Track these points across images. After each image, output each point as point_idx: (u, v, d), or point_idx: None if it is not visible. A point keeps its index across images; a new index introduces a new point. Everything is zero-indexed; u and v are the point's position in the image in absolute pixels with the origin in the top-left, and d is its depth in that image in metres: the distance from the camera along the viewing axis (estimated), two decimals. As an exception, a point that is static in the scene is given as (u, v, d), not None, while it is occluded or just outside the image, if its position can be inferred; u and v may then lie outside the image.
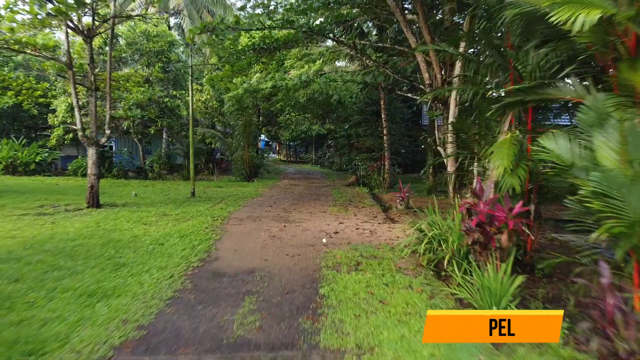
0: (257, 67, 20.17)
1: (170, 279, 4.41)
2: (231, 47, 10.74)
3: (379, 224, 8.04)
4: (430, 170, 15.38)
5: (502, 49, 5.26)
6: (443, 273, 4.97)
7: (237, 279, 4.53)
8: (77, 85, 9.11)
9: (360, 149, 21.16)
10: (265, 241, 6.39)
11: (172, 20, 24.21)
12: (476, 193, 4.36)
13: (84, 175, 16.21)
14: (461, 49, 7.62)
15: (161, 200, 10.78)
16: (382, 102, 18.21)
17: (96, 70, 9.30)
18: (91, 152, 8.89)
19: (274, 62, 13.73)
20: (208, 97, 20.97)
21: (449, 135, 7.99)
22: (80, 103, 9.04)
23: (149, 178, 16.85)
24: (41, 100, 12.56)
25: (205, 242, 6.12)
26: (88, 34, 8.66)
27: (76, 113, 8.68)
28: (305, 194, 13.65)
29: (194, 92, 22.17)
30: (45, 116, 16.61)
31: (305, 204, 11.00)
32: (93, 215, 8.27)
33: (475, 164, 6.64)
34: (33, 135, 19.03)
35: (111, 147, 20.35)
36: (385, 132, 17.76)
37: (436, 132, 10.31)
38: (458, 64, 7.69)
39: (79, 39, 9.70)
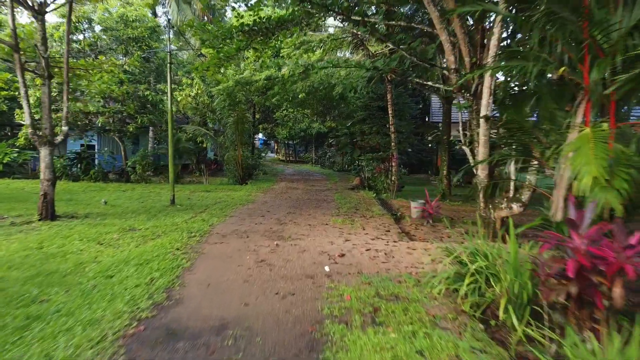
0: (250, 56, 18.78)
1: (96, 347, 2.98)
2: (216, 30, 9.30)
3: (395, 242, 6.60)
4: (444, 171, 13.96)
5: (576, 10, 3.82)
6: (493, 322, 3.59)
7: (200, 344, 3.10)
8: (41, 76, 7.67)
9: (364, 148, 19.73)
10: (249, 270, 4.97)
11: (160, 9, 22.78)
12: (571, 221, 2.91)
13: (59, 177, 14.81)
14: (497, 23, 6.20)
15: (134, 209, 9.35)
16: (389, 97, 16.82)
17: (55, 54, 7.84)
18: (44, 153, 7.47)
19: (269, 49, 12.31)
20: (199, 91, 19.55)
21: (480, 131, 6.56)
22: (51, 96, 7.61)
23: (131, 181, 15.44)
24: (3, 93, 11.13)
25: (169, 273, 4.69)
26: (39, 10, 7.23)
27: (25, 106, 7.25)
28: (304, 199, 12.22)
29: (183, 87, 20.81)
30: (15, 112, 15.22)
31: (304, 212, 9.57)
32: (42, 230, 6.84)
33: (522, 168, 5.22)
34: (3, 133, 17.61)
35: (93, 146, 18.94)
36: (392, 129, 16.35)
37: (460, 129, 8.89)
38: (493, 43, 6.25)
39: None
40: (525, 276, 3.63)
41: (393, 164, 15.06)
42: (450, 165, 14.05)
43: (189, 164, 20.75)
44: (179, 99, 19.29)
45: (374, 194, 13.58)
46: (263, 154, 27.08)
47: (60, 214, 8.10)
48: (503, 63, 4.57)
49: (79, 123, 13.90)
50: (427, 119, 27.63)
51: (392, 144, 16.36)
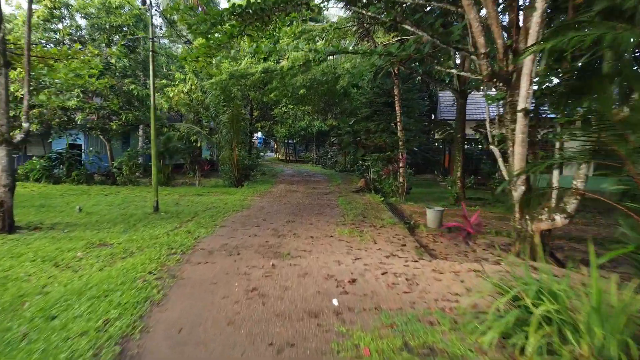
0: (246, 46, 17.71)
1: None
2: (204, 14, 8.24)
3: (415, 261, 5.56)
4: (458, 172, 12.90)
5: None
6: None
7: None
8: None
9: (368, 147, 18.69)
10: (237, 304, 3.93)
11: None
12: None
13: (38, 180, 13.81)
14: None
15: (111, 217, 8.31)
16: (396, 92, 15.77)
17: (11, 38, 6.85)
18: (0, 154, 6.42)
19: (265, 38, 11.26)
20: (193, 87, 18.50)
21: (517, 128, 5.51)
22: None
23: (117, 183, 14.40)
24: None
25: (131, 311, 3.66)
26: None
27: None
28: (305, 204, 11.18)
29: (176, 82, 19.75)
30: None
31: (305, 221, 8.53)
32: (-7, 247, 5.80)
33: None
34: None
35: (79, 145, 17.89)
36: (400, 127, 15.30)
37: (487, 126, 7.86)
38: (536, 20, 5.20)
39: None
40: (623, 330, 2.60)
41: (401, 164, 14.03)
42: (464, 165, 13.00)
43: (182, 164, 19.71)
44: (171, 95, 18.26)
45: (381, 198, 12.54)
46: (262, 154, 26.06)
47: (22, 225, 7.06)
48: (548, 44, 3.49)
49: (57, 120, 12.86)
50: (432, 116, 26.60)
51: (400, 143, 15.32)
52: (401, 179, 13.97)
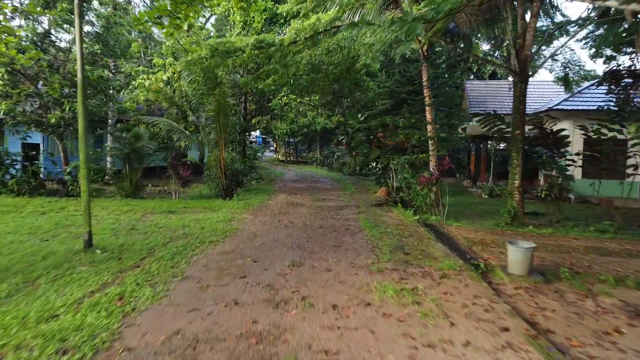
0: (237, 20, 14.83)
1: None
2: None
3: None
4: (516, 181, 9.95)
5: None
6: None
7: None
8: None
9: (385, 147, 15.82)
10: None
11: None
12: None
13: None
14: None
15: (10, 261, 5.41)
16: (424, 78, 12.92)
17: None
18: None
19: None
20: (174, 74, 15.65)
21: None
22: None
23: (71, 194, 11.54)
24: None
25: None
26: None
27: None
28: (315, 226, 8.31)
29: (155, 69, 16.91)
30: None
31: (319, 263, 5.66)
32: None
33: None
34: None
35: (37, 145, 15.07)
36: (429, 118, 12.43)
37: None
38: None
39: None
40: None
41: (435, 171, 11.11)
42: (523, 171, 10.08)
43: (165, 168, 16.84)
44: (147, 84, 15.41)
45: (416, 216, 9.67)
46: (259, 154, 23.18)
47: None
48: None
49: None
50: (457, 105, 23.64)
51: (431, 142, 12.46)
52: (434, 189, 11.11)
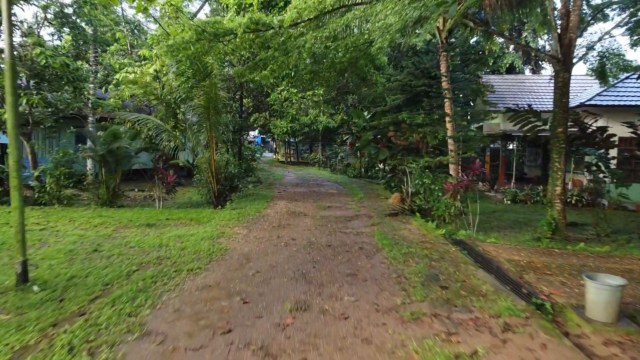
0: (230, 2, 13.44)
1: None
2: None
3: None
4: (557, 187, 8.51)
5: None
6: None
7: None
8: None
9: (396, 147, 14.41)
10: None
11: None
12: None
13: None
14: None
15: None
16: (443, 69, 11.55)
17: None
18: None
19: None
20: (162, 67, 14.25)
21: None
22: None
23: (38, 202, 10.14)
24: None
25: None
26: None
27: None
28: (322, 245, 6.90)
29: (142, 63, 15.51)
30: None
31: (330, 305, 4.25)
32: None
33: None
34: None
35: (5, 145, 13.70)
36: (449, 118, 11.06)
37: None
38: None
39: None
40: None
41: (463, 176, 9.70)
42: (562, 176, 8.67)
43: (150, 169, 15.39)
44: (131, 77, 14.02)
45: (440, 230, 8.26)
46: (257, 155, 21.78)
47: None
48: None
49: None
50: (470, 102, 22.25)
51: (450, 142, 11.08)
52: (458, 196, 9.69)
